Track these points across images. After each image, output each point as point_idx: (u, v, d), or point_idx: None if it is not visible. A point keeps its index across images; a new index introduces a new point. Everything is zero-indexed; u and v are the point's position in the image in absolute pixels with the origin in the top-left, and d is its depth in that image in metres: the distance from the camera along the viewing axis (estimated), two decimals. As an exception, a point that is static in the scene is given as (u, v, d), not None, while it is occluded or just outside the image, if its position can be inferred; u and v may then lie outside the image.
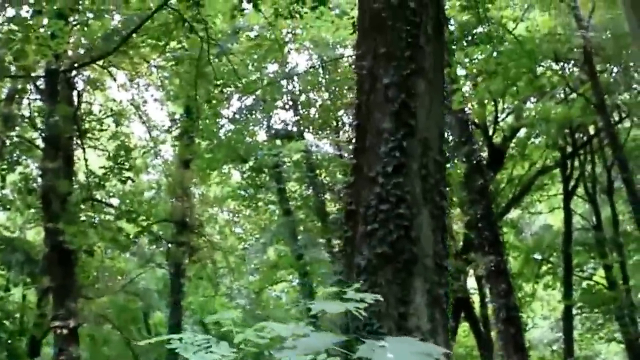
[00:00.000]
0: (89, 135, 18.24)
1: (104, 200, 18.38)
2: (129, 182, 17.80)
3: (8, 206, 19.54)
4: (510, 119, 22.70)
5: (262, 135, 23.24)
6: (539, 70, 19.59)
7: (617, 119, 21.68)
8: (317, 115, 22.90)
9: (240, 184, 23.16)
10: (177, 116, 21.85)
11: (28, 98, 19.19)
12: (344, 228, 7.75)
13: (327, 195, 22.78)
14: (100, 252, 17.93)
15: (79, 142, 17.72)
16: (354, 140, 8.11)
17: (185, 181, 19.47)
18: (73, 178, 17.34)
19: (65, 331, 16.42)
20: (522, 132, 22.47)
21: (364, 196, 7.58)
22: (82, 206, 16.81)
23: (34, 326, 19.30)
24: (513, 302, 15.92)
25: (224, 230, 23.95)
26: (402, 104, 7.59)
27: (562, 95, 22.43)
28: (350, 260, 7.55)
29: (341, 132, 23.42)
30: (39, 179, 17.45)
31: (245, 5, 13.13)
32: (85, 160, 17.39)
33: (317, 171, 22.62)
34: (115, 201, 19.23)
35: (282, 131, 22.83)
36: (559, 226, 24.73)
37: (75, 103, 17.59)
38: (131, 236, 17.56)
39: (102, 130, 18.60)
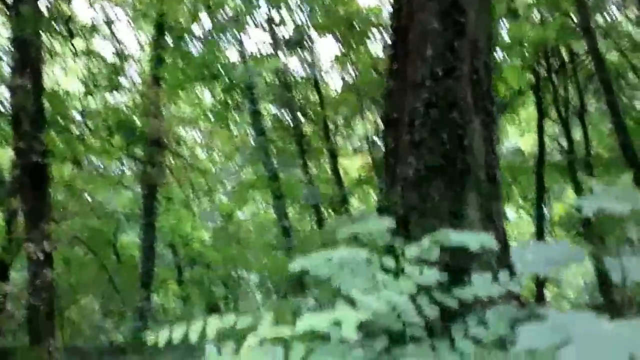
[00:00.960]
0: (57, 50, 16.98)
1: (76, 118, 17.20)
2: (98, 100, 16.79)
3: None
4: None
5: (235, 55, 22.10)
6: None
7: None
8: (292, 36, 21.77)
9: (212, 105, 22.13)
10: (147, 35, 20.73)
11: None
12: (385, 138, 6.99)
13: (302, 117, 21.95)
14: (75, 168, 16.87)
15: (47, 56, 16.50)
16: (392, 45, 7.26)
17: (158, 99, 18.35)
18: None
19: (39, 255, 15.49)
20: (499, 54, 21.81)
21: (408, 103, 6.78)
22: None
23: (3, 250, 18.22)
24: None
25: (195, 151, 22.94)
26: (451, 1, 6.75)
27: (538, 17, 21.80)
28: (394, 173, 6.80)
29: (315, 53, 22.47)
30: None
31: None
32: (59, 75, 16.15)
33: (293, 92, 21.71)
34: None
35: (256, 51, 21.78)
36: (529, 151, 24.43)
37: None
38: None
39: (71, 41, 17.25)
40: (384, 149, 6.92)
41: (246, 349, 1.58)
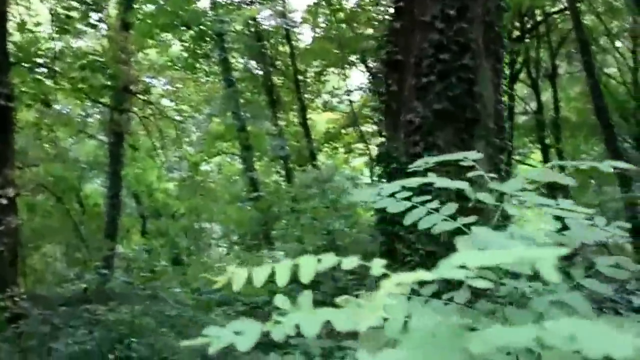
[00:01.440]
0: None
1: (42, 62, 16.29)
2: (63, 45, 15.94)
3: None
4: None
5: (205, 1, 21.27)
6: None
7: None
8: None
9: (181, 54, 21.32)
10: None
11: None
12: (387, 81, 6.49)
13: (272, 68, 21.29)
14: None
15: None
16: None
17: (127, 45, 17.50)
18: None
19: (2, 201, 14.76)
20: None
21: (415, 44, 6.28)
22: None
23: (-38, 195, 17.38)
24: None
25: (163, 100, 22.15)
26: (464, -64, 6.23)
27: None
28: (396, 118, 6.34)
29: (286, 3, 21.79)
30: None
31: None
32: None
33: (263, 43, 21.01)
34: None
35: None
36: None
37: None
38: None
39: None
40: (385, 92, 6.44)
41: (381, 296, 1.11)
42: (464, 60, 5.91)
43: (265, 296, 13.62)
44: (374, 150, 24.17)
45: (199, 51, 21.06)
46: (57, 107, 18.72)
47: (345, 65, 20.41)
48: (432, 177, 2.11)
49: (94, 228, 19.06)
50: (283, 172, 22.19)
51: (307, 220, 16.50)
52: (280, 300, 1.62)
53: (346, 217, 15.63)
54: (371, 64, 20.39)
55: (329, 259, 1.41)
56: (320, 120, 24.32)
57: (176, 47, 22.04)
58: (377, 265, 1.27)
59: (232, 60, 21.56)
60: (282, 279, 1.46)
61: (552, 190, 19.18)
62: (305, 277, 1.38)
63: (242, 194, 21.92)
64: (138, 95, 17.68)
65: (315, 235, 15.87)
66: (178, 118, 21.27)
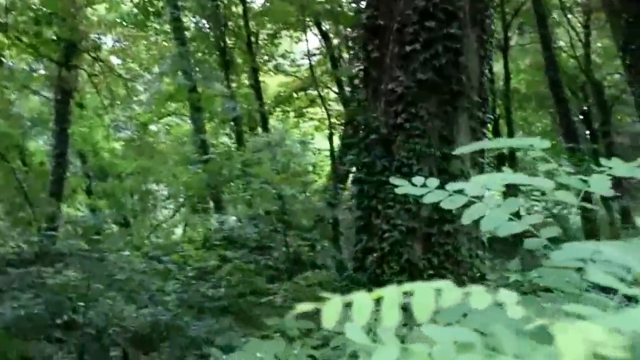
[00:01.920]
0: None
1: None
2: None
3: None
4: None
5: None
6: None
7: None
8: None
9: (132, 10, 20.45)
10: None
11: None
12: (367, 47, 6.10)
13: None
14: None
15: None
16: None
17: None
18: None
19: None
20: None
21: (398, 9, 5.89)
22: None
23: None
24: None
25: (112, 58, 21.26)
26: None
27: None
28: (376, 86, 5.96)
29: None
30: None
31: None
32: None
33: (217, 1, 20.24)
34: None
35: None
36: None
37: None
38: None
39: None
40: (365, 59, 6.05)
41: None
42: (451, 29, 5.57)
43: (216, 262, 13.29)
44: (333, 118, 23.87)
45: (150, 8, 20.23)
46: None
47: (300, 28, 19.84)
48: (514, 175, 1.77)
49: (38, 187, 18.25)
50: (233, 135, 21.66)
51: (258, 184, 16.07)
52: (355, 333, 1.25)
53: (301, 182, 15.32)
54: (326, 27, 19.92)
55: (451, 294, 1.07)
56: (272, 84, 23.78)
57: (127, 4, 21.18)
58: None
59: (185, 19, 20.79)
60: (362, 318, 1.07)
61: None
62: (423, 315, 1.03)
63: (191, 156, 21.30)
64: (87, 52, 16.87)
65: (266, 200, 15.51)
66: (127, 76, 20.47)
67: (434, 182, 2.02)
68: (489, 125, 6.00)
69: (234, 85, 21.28)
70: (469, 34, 5.74)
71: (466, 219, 1.87)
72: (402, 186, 1.92)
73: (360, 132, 5.91)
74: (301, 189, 15.44)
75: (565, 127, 15.50)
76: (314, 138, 24.64)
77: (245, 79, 22.43)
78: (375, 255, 5.55)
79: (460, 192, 2.02)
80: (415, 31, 5.62)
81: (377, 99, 5.82)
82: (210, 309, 10.47)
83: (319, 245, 14.23)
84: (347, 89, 19.65)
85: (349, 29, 17.60)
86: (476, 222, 5.27)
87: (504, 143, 3.60)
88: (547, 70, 16.49)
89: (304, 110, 23.60)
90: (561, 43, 22.38)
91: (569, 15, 21.35)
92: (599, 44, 22.47)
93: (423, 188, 1.99)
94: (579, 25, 21.18)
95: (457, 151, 1.91)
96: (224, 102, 20.18)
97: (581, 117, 21.17)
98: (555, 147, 17.34)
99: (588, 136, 22.51)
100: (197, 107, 19.91)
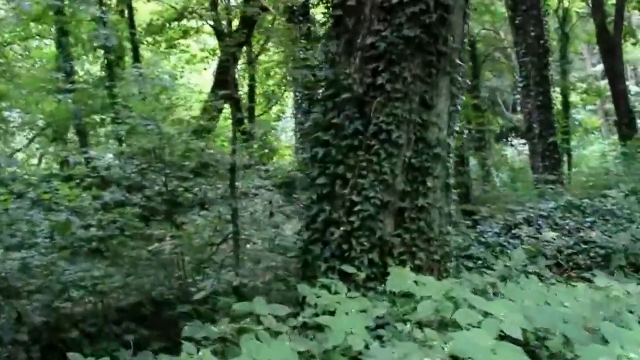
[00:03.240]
0: None
1: None
2: None
3: None
4: None
5: None
6: None
7: None
8: None
9: None
10: None
11: None
12: (342, -8, 5.20)
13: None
14: None
15: None
16: None
17: None
18: None
19: None
20: None
21: (381, -49, 5.07)
22: None
23: None
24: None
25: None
26: None
27: None
28: (350, 38, 5.10)
29: None
30: None
31: None
32: None
33: None
34: None
35: None
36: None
37: None
38: None
39: None
40: (339, 4, 5.15)
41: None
42: (441, -18, 4.82)
43: (91, 201, 11.99)
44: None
45: None
46: None
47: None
48: None
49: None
50: (99, 64, 19.88)
51: (136, 120, 14.67)
52: None
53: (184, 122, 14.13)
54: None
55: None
56: (144, 11, 21.98)
57: None
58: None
59: None
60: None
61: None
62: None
63: (55, 82, 19.30)
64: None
65: (142, 136, 14.22)
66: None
67: None
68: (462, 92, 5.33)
69: (104, 9, 19.38)
70: (456, -9, 5.02)
71: None
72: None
73: (323, 87, 5.08)
74: (183, 127, 14.28)
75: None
76: (184, 71, 23.29)
77: (117, 5, 20.49)
78: (342, 229, 4.82)
79: None
80: (402, -20, 4.83)
81: (350, 54, 5.00)
82: (85, 252, 9.56)
83: (205, 187, 13.24)
84: (224, 22, 18.40)
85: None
86: (447, 195, 4.57)
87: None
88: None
89: (176, 42, 22.16)
90: None
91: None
92: None
93: None
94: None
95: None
96: (97, 29, 18.30)
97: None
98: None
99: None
100: (64, 32, 17.95)
